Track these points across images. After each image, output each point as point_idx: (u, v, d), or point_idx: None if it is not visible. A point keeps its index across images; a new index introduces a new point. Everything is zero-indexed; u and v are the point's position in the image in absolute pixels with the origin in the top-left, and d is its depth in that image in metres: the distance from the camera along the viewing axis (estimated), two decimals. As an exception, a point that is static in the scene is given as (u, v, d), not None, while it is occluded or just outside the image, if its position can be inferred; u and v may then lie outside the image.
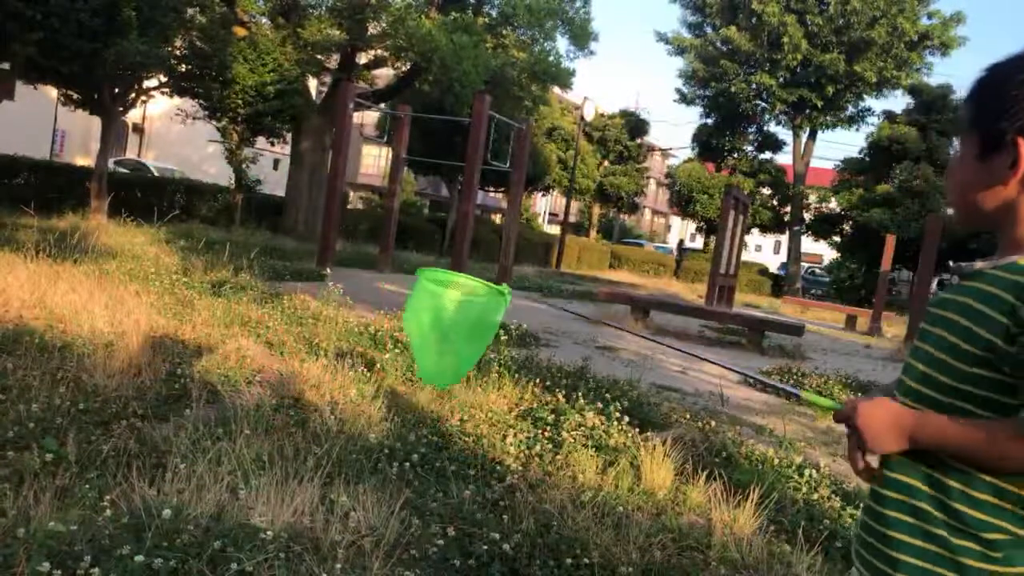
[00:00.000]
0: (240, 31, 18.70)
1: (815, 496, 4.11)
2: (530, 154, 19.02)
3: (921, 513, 1.32)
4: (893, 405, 1.35)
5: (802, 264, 37.00)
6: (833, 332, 17.01)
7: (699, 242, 42.37)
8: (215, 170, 28.69)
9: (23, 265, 7.04)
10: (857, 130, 34.32)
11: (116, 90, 15.42)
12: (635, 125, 40.74)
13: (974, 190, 1.35)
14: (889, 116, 31.98)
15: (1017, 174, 1.28)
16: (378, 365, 5.53)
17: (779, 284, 34.05)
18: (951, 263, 1.46)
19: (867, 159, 31.70)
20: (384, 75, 25.24)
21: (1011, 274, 1.25)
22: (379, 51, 20.42)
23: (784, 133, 36.27)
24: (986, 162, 1.31)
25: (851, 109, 33.46)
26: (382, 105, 21.01)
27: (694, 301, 16.97)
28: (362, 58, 21.59)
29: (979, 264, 1.33)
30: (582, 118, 32.42)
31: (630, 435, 4.55)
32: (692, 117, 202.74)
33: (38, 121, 26.92)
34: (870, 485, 1.44)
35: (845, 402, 1.40)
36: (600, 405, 4.97)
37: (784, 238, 37.03)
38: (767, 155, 35.85)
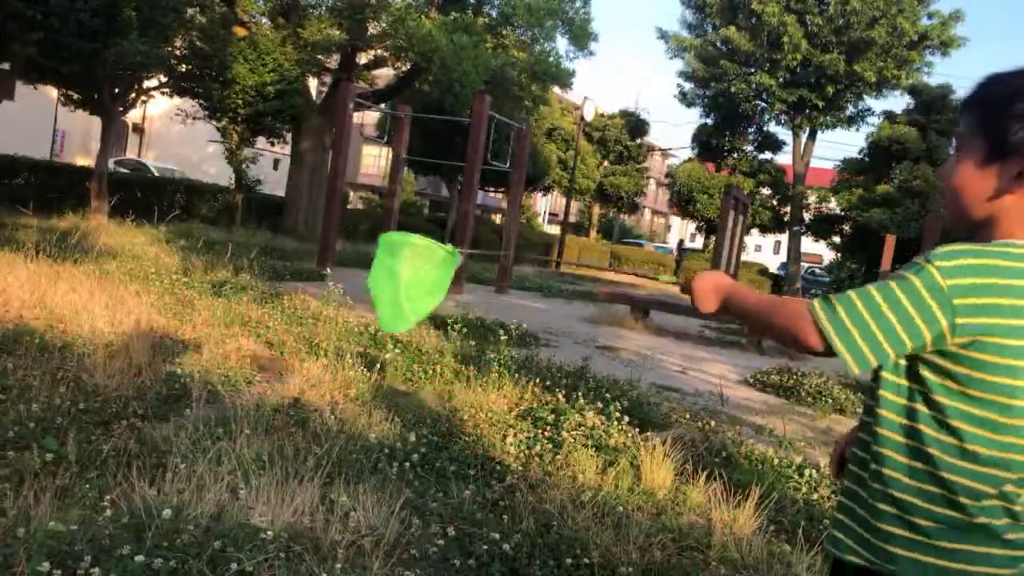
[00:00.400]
0: (240, 31, 18.70)
1: (815, 496, 4.11)
2: (530, 154, 19.01)
3: (859, 480, 1.41)
4: (719, 274, 1.56)
5: (802, 264, 36.98)
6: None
7: (699, 242, 42.36)
8: (215, 170, 28.70)
9: (23, 265, 7.05)
10: (857, 130, 34.30)
11: (116, 90, 15.43)
12: (635, 125, 40.72)
13: (969, 194, 1.36)
14: (889, 116, 31.98)
15: (1006, 176, 1.30)
16: (378, 365, 5.53)
17: (779, 284, 34.03)
18: None
19: (867, 159, 31.70)
20: (384, 75, 25.25)
21: None
22: (379, 51, 20.42)
23: (784, 133, 36.23)
24: (988, 168, 1.32)
25: (851, 109, 33.44)
26: (382, 105, 21.01)
27: (694, 301, 16.93)
28: (362, 58, 21.58)
29: None
30: (582, 118, 32.41)
31: (630, 435, 4.55)
32: (692, 117, 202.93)
33: (38, 121, 26.92)
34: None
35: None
36: (600, 405, 4.97)
37: (784, 238, 37.01)
38: (767, 155, 35.83)
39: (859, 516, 1.38)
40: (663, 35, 34.18)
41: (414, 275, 2.71)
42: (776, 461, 4.50)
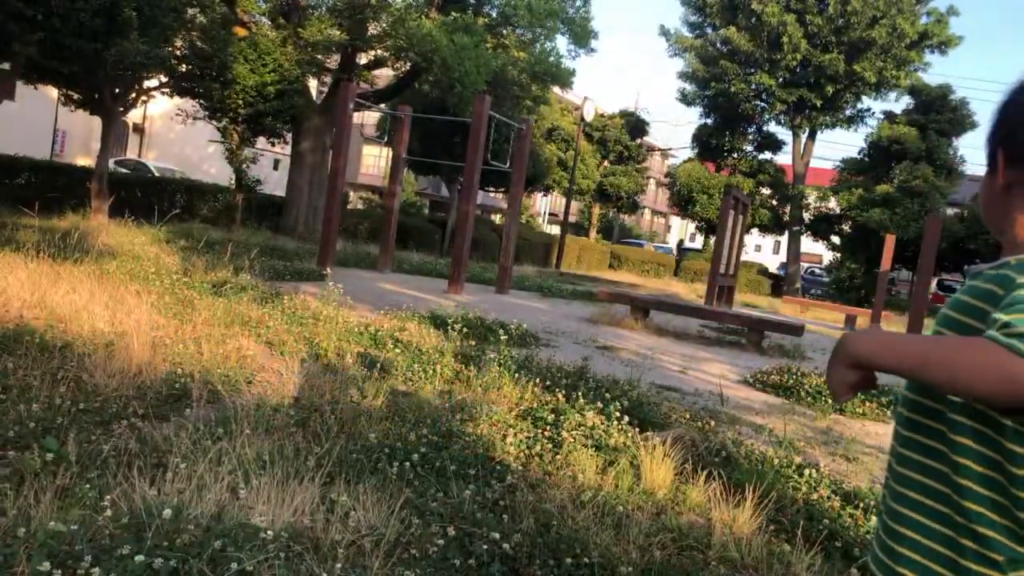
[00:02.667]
0: (240, 31, 18.71)
1: (815, 496, 4.11)
2: (530, 154, 19.02)
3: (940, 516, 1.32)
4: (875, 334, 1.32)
5: (802, 264, 37.00)
6: (833, 332, 17.01)
7: (699, 242, 42.39)
8: (215, 170, 28.73)
9: (24, 265, 7.05)
10: (856, 130, 34.32)
11: (116, 90, 15.44)
12: (635, 125, 40.75)
13: (986, 203, 1.45)
14: (889, 116, 32.02)
15: (998, 183, 1.38)
16: (378, 365, 5.53)
17: (779, 284, 34.05)
18: (966, 267, 1.49)
19: (866, 159, 31.75)
20: (384, 75, 25.25)
21: (998, 269, 1.32)
22: (379, 51, 20.43)
23: (784, 133, 36.25)
24: (991, 176, 1.41)
25: (850, 109, 33.48)
26: (382, 105, 21.02)
27: (694, 301, 16.97)
28: (362, 58, 21.59)
29: (982, 266, 1.39)
30: (582, 118, 32.41)
31: (630, 435, 4.55)
32: (692, 117, 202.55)
33: (38, 121, 26.94)
34: (886, 483, 1.43)
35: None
36: (600, 405, 4.97)
37: (784, 238, 37.02)
38: (767, 155, 35.85)
39: (944, 556, 1.31)
40: (665, 32, 34.18)
41: None
42: (776, 461, 4.50)
